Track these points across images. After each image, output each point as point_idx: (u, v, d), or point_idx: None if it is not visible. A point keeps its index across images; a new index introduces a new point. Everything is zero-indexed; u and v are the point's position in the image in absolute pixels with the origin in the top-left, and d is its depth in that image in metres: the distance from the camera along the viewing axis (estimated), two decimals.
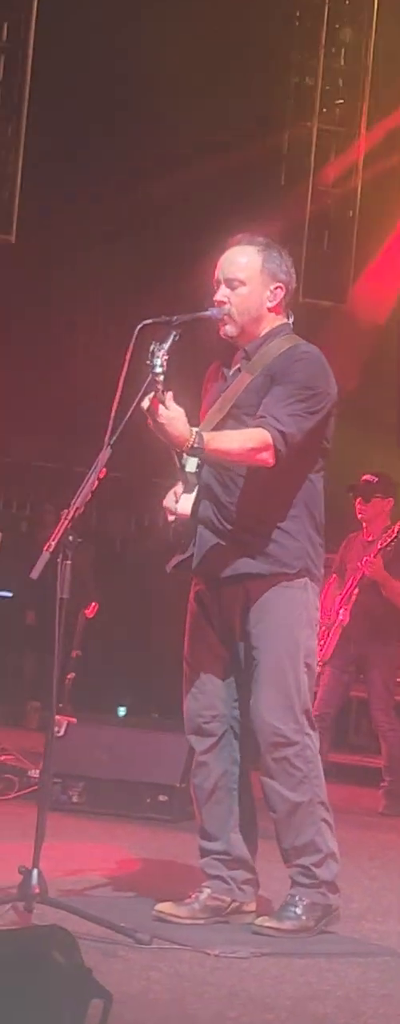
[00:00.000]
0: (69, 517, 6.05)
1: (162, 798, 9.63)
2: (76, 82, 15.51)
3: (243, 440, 6.42)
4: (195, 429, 6.29)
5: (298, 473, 6.55)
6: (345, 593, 11.67)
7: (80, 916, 6.15)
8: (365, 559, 11.61)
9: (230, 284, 6.63)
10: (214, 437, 6.37)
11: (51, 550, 5.98)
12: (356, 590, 11.63)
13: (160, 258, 15.99)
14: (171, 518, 6.53)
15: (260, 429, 6.39)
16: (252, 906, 6.76)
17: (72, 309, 16.43)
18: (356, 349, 14.96)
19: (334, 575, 12.01)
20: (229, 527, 6.52)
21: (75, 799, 9.69)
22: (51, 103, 15.29)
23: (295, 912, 6.55)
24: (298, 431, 6.43)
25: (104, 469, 6.14)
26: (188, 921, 6.50)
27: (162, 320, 6.25)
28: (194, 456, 6.31)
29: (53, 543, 5.99)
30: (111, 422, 6.14)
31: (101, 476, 6.13)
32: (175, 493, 6.52)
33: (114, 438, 6.13)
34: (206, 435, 6.32)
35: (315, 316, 15.08)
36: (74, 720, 10.20)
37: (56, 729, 9.50)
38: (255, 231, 6.80)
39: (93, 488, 6.12)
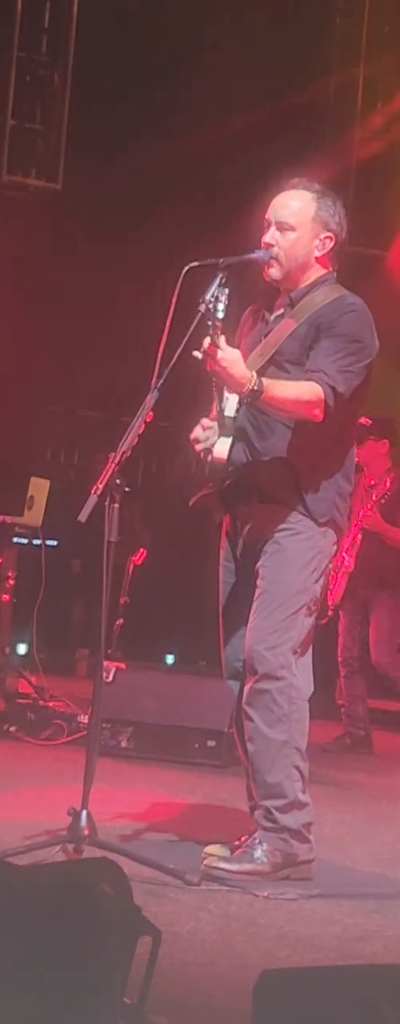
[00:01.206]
0: (116, 461, 6.08)
1: (210, 743, 9.66)
2: (122, 29, 15.48)
3: (299, 392, 6.40)
4: (255, 373, 6.29)
5: (335, 425, 6.50)
6: (350, 538, 11.66)
7: (129, 857, 6.19)
8: (362, 512, 11.60)
9: (280, 227, 6.60)
10: (272, 384, 6.35)
11: (99, 493, 6.01)
12: (359, 536, 11.63)
13: (207, 206, 15.96)
14: (199, 447, 6.53)
15: (313, 384, 6.38)
16: None
17: (119, 255, 16.42)
18: None
19: None
20: (261, 472, 6.52)
21: (124, 744, 9.74)
22: (97, 49, 15.26)
23: (252, 855, 6.44)
24: (348, 389, 6.44)
25: (151, 413, 6.15)
26: (236, 867, 6.49)
27: (208, 262, 6.24)
28: (251, 400, 6.31)
29: (100, 486, 6.02)
30: (157, 366, 6.16)
31: (148, 420, 6.14)
32: (202, 424, 6.53)
33: (161, 382, 6.15)
34: (265, 381, 6.32)
35: (362, 264, 15.01)
36: (123, 666, 10.24)
37: (105, 675, 9.59)
38: (311, 177, 6.77)
39: (140, 432, 6.13)
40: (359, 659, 11.85)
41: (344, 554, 11.59)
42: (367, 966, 3.83)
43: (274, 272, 6.61)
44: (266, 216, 6.66)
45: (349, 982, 2.88)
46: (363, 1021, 2.75)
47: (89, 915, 3.23)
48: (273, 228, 6.61)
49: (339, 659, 11.84)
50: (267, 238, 6.60)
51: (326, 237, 6.66)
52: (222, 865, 6.40)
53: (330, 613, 11.82)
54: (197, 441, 6.56)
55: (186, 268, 6.21)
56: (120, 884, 3.50)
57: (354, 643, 11.83)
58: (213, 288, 6.13)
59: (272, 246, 6.59)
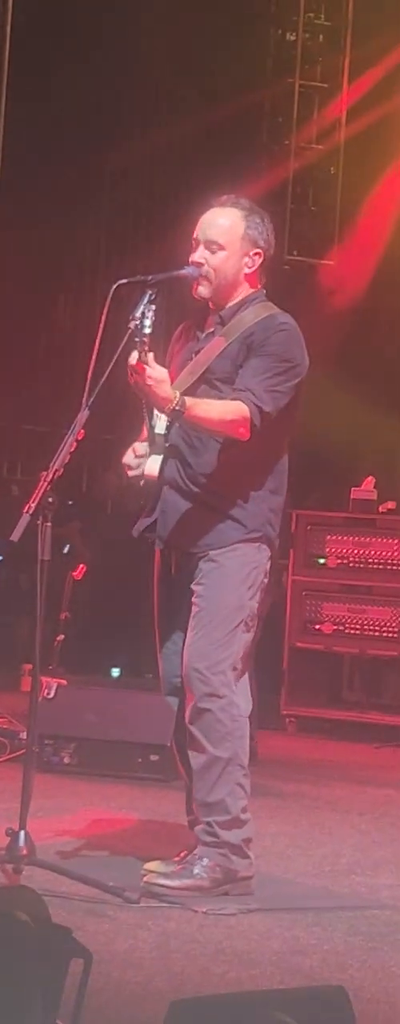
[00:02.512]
0: (48, 479, 6.07)
1: (153, 757, 9.63)
2: (56, 41, 15.46)
3: (222, 411, 6.42)
4: (178, 392, 6.30)
5: (266, 442, 6.51)
6: None
7: (68, 876, 6.20)
8: None
9: (209, 246, 6.60)
10: (196, 403, 6.36)
11: (31, 512, 6.00)
12: None
13: (146, 216, 15.96)
14: (131, 474, 6.55)
15: (239, 403, 6.39)
16: None
17: (57, 268, 16.40)
18: (340, 306, 14.93)
19: None
20: (194, 488, 6.52)
21: (66, 760, 9.69)
22: (32, 62, 15.23)
23: (192, 871, 6.44)
24: (275, 408, 6.45)
25: (82, 431, 6.15)
26: (176, 883, 6.46)
27: (138, 279, 6.26)
28: (175, 419, 6.32)
29: (33, 505, 6.00)
30: (88, 383, 6.16)
31: (79, 438, 6.14)
32: (134, 450, 6.55)
33: (92, 399, 6.15)
34: (188, 400, 6.32)
35: (300, 273, 15.07)
36: (64, 682, 10.21)
37: (46, 691, 9.57)
38: (239, 193, 6.78)
39: (71, 450, 6.13)
40: None
41: None
42: (279, 990, 3.82)
43: (203, 290, 6.61)
44: (194, 235, 6.66)
45: (259, 1007, 2.87)
46: None
47: (6, 947, 3.21)
48: (202, 247, 6.61)
49: None
50: (196, 257, 6.60)
51: (255, 254, 6.66)
52: (162, 881, 6.39)
53: None
54: (129, 467, 6.58)
55: (115, 285, 6.23)
56: (38, 911, 3.47)
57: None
58: (141, 305, 6.14)
59: (201, 265, 6.58)
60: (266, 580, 6.65)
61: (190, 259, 6.62)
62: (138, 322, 6.10)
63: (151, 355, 6.16)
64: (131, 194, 16.16)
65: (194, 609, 6.52)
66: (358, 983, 5.28)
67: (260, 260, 6.68)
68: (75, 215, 15.94)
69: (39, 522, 6.03)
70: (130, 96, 15.58)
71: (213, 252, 6.60)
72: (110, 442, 15.10)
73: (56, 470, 6.07)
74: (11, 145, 14.98)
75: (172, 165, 15.48)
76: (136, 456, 6.56)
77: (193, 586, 6.54)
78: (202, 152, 14.73)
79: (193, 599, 6.53)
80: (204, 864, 6.43)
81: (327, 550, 13.36)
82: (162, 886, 6.35)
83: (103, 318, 6.14)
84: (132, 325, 6.11)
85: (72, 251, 16.21)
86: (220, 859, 6.44)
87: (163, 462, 6.50)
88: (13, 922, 3.23)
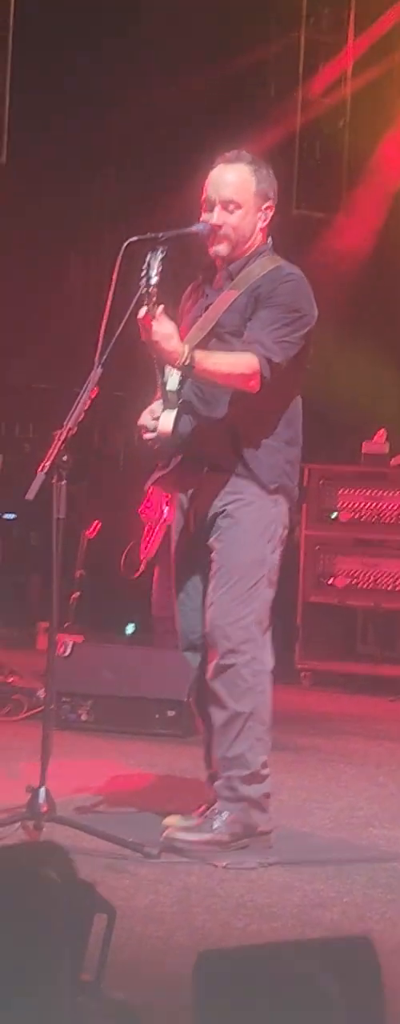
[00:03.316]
0: (62, 438, 6.08)
1: (170, 713, 9.65)
2: (62, 2, 15.43)
3: (232, 364, 6.43)
4: (187, 347, 6.30)
5: (278, 392, 6.52)
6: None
7: (88, 832, 6.23)
8: None
9: (226, 206, 6.57)
10: (206, 356, 6.37)
11: (45, 471, 6.02)
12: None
13: (154, 176, 15.90)
14: (147, 436, 6.55)
15: (249, 355, 6.39)
16: None
17: (67, 226, 16.37)
18: (349, 259, 14.91)
19: None
20: (208, 442, 6.53)
21: (84, 717, 9.71)
22: (39, 23, 15.19)
23: (211, 825, 6.44)
24: (285, 359, 6.44)
25: (96, 388, 6.17)
26: (196, 837, 6.49)
27: (149, 236, 6.25)
28: (185, 373, 6.33)
29: (47, 464, 6.02)
30: (100, 341, 6.17)
31: (93, 396, 6.17)
32: (151, 412, 6.55)
33: (105, 356, 6.16)
34: (197, 354, 6.33)
35: (308, 227, 15.03)
36: (80, 639, 10.23)
37: (63, 649, 9.59)
38: (242, 147, 6.76)
39: (85, 408, 6.15)
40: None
41: (163, 507, 11.30)
42: (306, 941, 3.84)
43: (222, 249, 6.60)
44: (205, 194, 6.62)
45: (289, 957, 2.88)
46: (303, 996, 2.77)
47: (32, 902, 3.23)
48: (218, 207, 6.58)
49: (153, 613, 11.65)
50: (215, 219, 6.57)
51: (267, 208, 6.67)
52: (182, 836, 6.41)
53: (143, 568, 11.66)
54: (145, 428, 6.57)
55: (126, 243, 6.25)
56: (66, 867, 3.50)
57: (167, 602, 11.58)
58: (149, 259, 6.14)
59: (220, 227, 6.56)
60: (286, 532, 6.66)
61: (203, 218, 6.60)
62: (144, 276, 6.12)
63: (160, 308, 6.18)
64: (140, 156, 16.11)
65: (213, 567, 6.52)
66: (378, 935, 5.26)
67: (271, 213, 6.69)
68: (84, 174, 15.91)
69: (54, 481, 6.06)
70: (135, 56, 15.52)
71: (231, 212, 6.58)
72: (121, 399, 15.12)
73: (70, 428, 6.10)
74: (21, 106, 14.95)
75: (179, 123, 15.42)
76: (153, 419, 6.55)
77: (211, 542, 6.55)
78: (208, 109, 14.66)
79: (212, 556, 6.53)
80: (223, 819, 6.45)
81: (339, 504, 13.36)
82: (182, 841, 6.37)
83: (114, 276, 6.17)
84: (142, 281, 6.13)
85: (82, 210, 16.17)
86: (240, 814, 6.46)
87: (176, 418, 6.50)
88: (41, 879, 3.25)
